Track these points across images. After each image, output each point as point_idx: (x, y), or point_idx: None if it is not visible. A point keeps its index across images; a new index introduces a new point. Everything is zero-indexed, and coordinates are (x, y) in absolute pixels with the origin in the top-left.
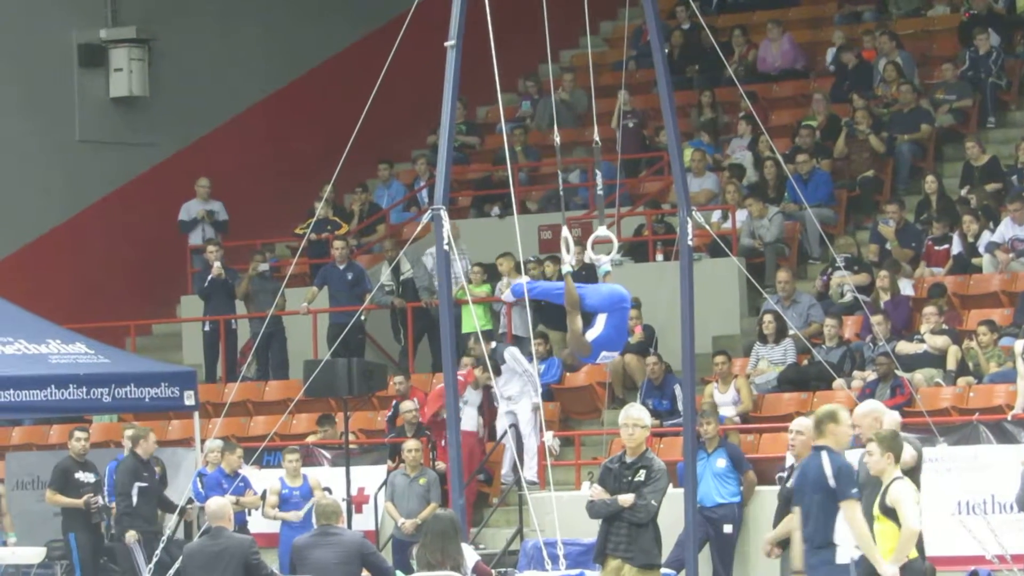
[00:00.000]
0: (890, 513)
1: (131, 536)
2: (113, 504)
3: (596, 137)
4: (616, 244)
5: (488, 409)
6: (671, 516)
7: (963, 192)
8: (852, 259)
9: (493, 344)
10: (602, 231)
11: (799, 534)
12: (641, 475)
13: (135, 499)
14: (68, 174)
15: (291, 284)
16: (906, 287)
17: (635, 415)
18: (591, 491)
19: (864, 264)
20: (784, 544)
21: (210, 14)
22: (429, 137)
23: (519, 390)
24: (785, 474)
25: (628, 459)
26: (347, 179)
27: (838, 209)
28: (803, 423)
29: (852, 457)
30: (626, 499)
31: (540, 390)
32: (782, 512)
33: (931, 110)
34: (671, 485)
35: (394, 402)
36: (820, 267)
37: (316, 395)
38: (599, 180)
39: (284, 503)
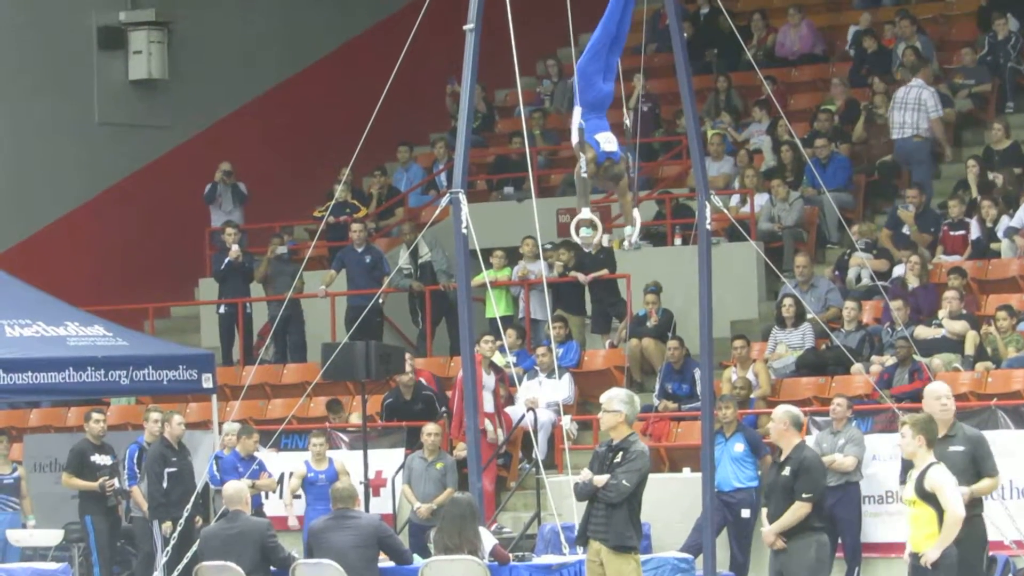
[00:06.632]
0: (928, 498)
1: (167, 528)
2: (132, 488)
3: (627, 120)
4: (639, 222)
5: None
6: (689, 500)
7: (989, 177)
8: (871, 244)
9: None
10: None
11: None
12: (619, 457)
13: (165, 484)
14: (87, 157)
15: (309, 267)
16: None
17: (603, 399)
18: (580, 474)
19: (883, 249)
20: (788, 533)
21: None
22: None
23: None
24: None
25: (614, 443)
26: (365, 162)
27: (856, 194)
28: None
29: None
30: (600, 479)
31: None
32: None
33: (950, 95)
34: (689, 470)
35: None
36: (838, 251)
37: (334, 378)
38: (631, 162)
39: (310, 486)
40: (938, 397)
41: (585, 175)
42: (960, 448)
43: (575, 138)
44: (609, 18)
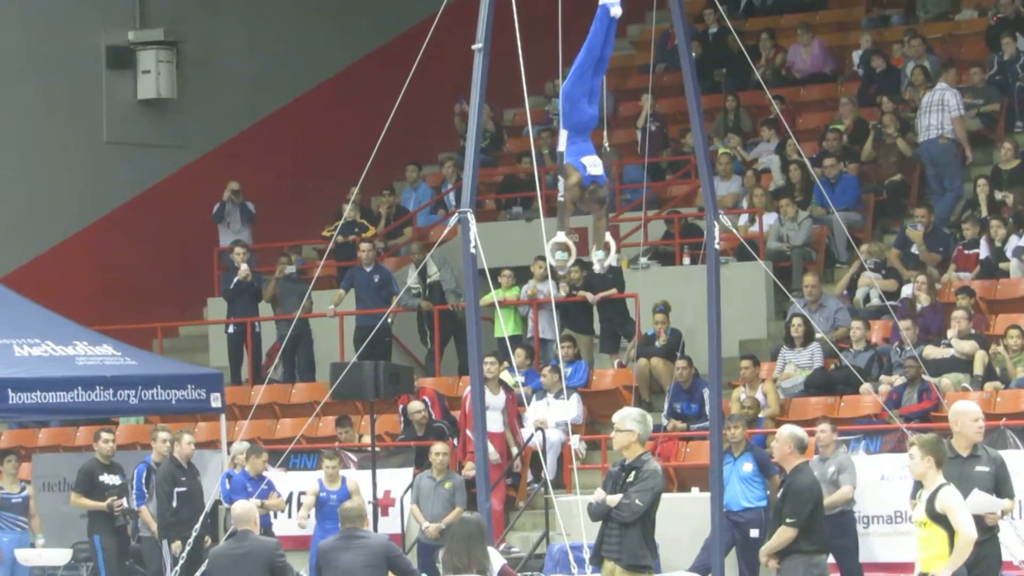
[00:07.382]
0: (939, 519)
1: (176, 547)
2: (140, 507)
3: (605, 143)
4: (613, 247)
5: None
6: (698, 520)
7: (998, 196)
8: (880, 264)
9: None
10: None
11: None
12: (632, 476)
13: (175, 504)
14: (96, 176)
15: (318, 286)
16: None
17: (615, 419)
18: (594, 494)
19: (892, 269)
20: (781, 554)
21: (238, 16)
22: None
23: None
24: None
25: (627, 462)
26: (374, 182)
27: (865, 213)
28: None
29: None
30: (613, 499)
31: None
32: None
33: None
34: (697, 489)
35: (401, 406)
36: (847, 271)
37: (342, 398)
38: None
39: (321, 506)
40: (976, 419)
41: (562, 199)
42: (987, 469)
43: (559, 161)
44: (593, 40)
